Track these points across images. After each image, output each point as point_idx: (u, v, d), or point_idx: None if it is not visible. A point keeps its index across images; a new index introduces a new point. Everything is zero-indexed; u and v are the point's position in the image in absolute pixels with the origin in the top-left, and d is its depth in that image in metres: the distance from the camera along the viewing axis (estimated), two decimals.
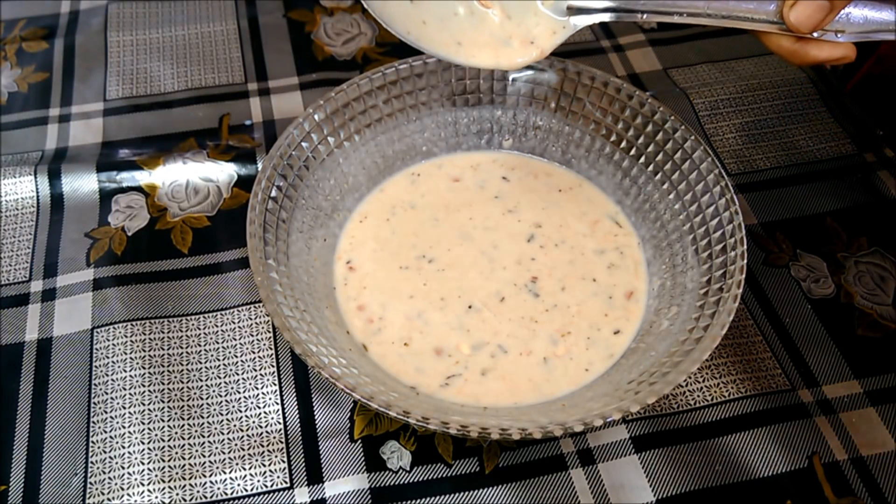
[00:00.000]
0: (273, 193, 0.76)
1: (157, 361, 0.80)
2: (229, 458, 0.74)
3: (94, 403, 0.77)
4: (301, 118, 0.81)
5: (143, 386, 0.78)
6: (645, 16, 0.69)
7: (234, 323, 0.83)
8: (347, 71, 1.08)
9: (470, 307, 0.79)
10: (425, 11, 0.74)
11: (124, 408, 0.77)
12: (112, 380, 0.78)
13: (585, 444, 0.74)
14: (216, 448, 0.75)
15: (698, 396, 0.77)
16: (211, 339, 0.82)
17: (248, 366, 0.80)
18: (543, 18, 0.73)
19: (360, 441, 0.75)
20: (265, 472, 0.73)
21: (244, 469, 0.73)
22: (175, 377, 0.79)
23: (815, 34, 0.63)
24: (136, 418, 0.76)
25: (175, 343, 0.81)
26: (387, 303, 0.79)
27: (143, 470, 0.73)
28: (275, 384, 0.78)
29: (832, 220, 0.89)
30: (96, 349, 0.81)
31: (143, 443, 0.75)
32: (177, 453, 0.74)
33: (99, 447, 0.75)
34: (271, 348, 0.81)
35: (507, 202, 0.87)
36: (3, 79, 1.08)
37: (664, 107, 0.81)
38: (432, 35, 0.74)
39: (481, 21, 0.74)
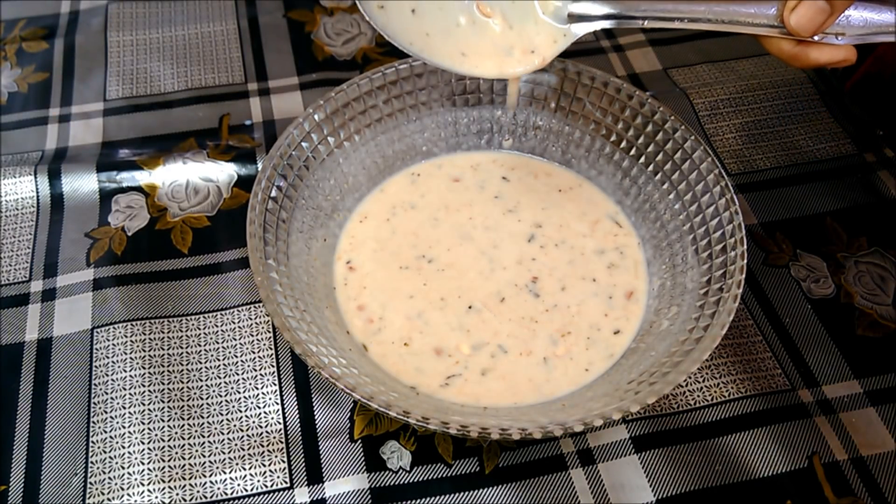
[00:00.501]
0: (273, 193, 0.76)
1: (157, 361, 0.80)
2: (229, 458, 0.74)
3: (94, 403, 0.77)
4: (301, 118, 0.81)
5: (143, 386, 0.78)
6: (646, 22, 0.69)
7: (234, 323, 0.83)
8: (347, 71, 1.08)
9: (470, 307, 0.79)
10: (428, 23, 0.74)
11: (124, 408, 0.77)
12: (112, 380, 0.79)
13: (585, 444, 0.74)
14: (216, 448, 0.75)
15: (698, 396, 0.77)
16: (211, 339, 0.82)
17: (248, 366, 0.80)
18: (544, 27, 0.73)
19: (360, 441, 0.75)
20: (265, 472, 0.73)
21: (244, 469, 0.73)
22: (175, 377, 0.79)
23: (815, 37, 0.63)
24: (136, 418, 0.76)
25: (175, 343, 0.81)
26: (387, 303, 0.79)
27: (143, 470, 0.73)
28: (275, 384, 0.78)
29: (832, 220, 0.89)
30: (96, 349, 0.81)
31: (143, 443, 0.75)
32: (177, 453, 0.74)
33: (99, 447, 0.75)
34: (271, 348, 0.81)
35: (507, 202, 0.87)
36: (3, 79, 1.08)
37: (664, 107, 0.81)
38: (436, 46, 0.74)
39: (483, 31, 0.74)
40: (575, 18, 0.72)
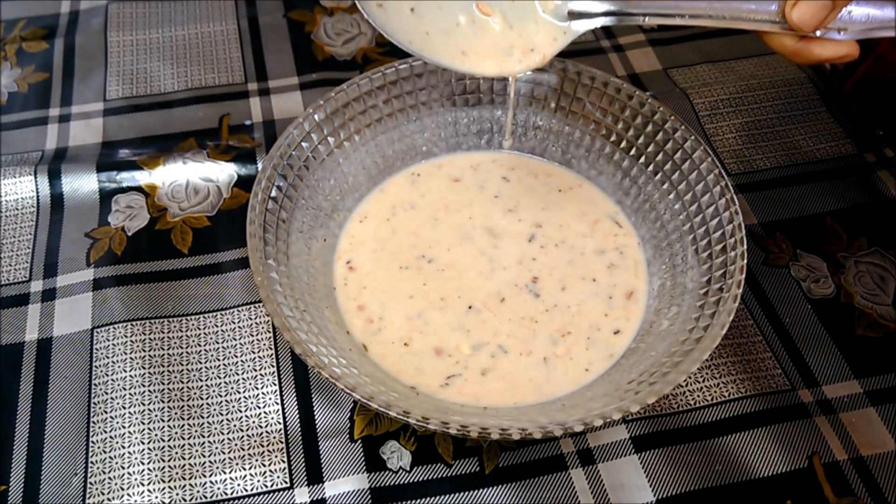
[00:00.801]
0: (273, 193, 0.76)
1: (157, 361, 0.80)
2: (229, 458, 0.74)
3: (94, 403, 0.77)
4: (301, 118, 0.81)
5: (143, 386, 0.78)
6: (646, 19, 0.69)
7: (234, 323, 0.83)
8: (347, 71, 1.08)
9: (470, 307, 0.79)
10: (428, 22, 0.74)
11: (124, 408, 0.77)
12: (112, 380, 0.79)
13: (585, 444, 0.74)
14: (216, 448, 0.75)
15: (698, 396, 0.77)
16: (211, 339, 0.82)
17: (248, 366, 0.80)
18: (544, 26, 0.73)
19: (360, 441, 0.75)
20: (265, 472, 0.73)
21: (244, 469, 0.73)
22: (175, 377, 0.79)
23: (817, 33, 0.63)
24: (136, 418, 0.76)
25: (175, 343, 0.81)
26: (387, 303, 0.79)
27: (143, 470, 0.73)
28: (275, 384, 0.78)
29: (832, 220, 0.89)
30: (96, 349, 0.81)
31: (143, 443, 0.75)
32: (177, 453, 0.74)
33: (99, 447, 0.75)
34: (271, 348, 0.81)
35: (507, 202, 0.87)
36: (4, 79, 1.08)
37: (664, 107, 0.81)
38: (436, 45, 0.74)
39: (483, 30, 0.74)
40: (575, 16, 0.72)
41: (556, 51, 0.74)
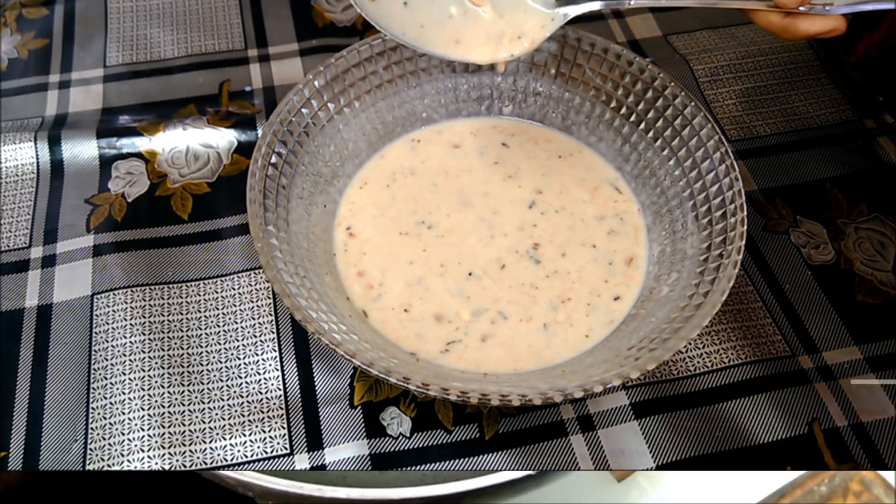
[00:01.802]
0: (273, 160, 0.76)
1: (157, 328, 0.80)
2: (229, 424, 0.74)
3: (94, 370, 0.77)
4: (301, 84, 0.81)
5: (143, 352, 0.78)
6: (633, 1, 0.69)
7: (234, 289, 0.83)
8: (347, 37, 1.08)
9: (470, 274, 0.79)
10: (422, 15, 0.75)
11: (124, 374, 0.77)
12: (112, 346, 0.79)
13: (585, 411, 0.74)
14: (216, 414, 0.75)
15: (698, 363, 0.77)
16: (211, 305, 0.82)
17: (249, 332, 0.80)
18: (533, 13, 0.74)
19: (360, 407, 0.75)
20: (265, 439, 0.73)
21: (244, 435, 0.73)
22: (175, 343, 0.79)
23: (802, 8, 0.63)
24: (136, 384, 0.76)
25: (175, 309, 0.81)
26: (387, 269, 0.79)
27: (142, 436, 0.73)
28: (275, 350, 0.79)
29: (832, 186, 0.89)
30: (96, 315, 0.81)
31: (143, 409, 0.75)
32: (177, 420, 0.74)
33: (99, 413, 0.75)
34: (271, 314, 0.81)
35: (507, 168, 0.87)
36: (3, 45, 1.08)
37: (664, 73, 0.80)
38: (430, 37, 0.75)
39: (474, 20, 0.75)
40: (563, 2, 0.72)
41: (545, 37, 0.75)
